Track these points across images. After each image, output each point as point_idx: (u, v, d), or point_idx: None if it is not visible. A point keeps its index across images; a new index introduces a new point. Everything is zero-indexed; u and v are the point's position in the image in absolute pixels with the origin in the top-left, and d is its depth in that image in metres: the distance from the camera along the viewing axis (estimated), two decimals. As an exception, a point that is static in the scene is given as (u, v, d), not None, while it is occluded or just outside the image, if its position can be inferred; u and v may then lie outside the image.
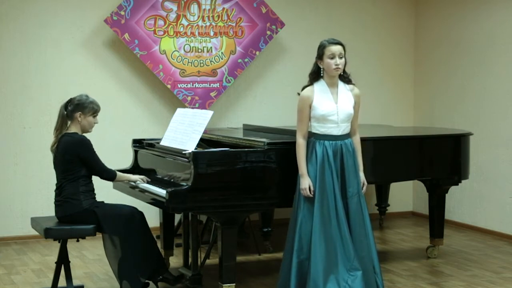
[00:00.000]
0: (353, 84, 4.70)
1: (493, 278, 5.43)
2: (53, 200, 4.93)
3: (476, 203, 7.17)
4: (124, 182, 5.16)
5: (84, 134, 4.92)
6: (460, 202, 7.32)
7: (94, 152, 4.85)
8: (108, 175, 4.96)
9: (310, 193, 4.53)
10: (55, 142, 4.91)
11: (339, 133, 4.58)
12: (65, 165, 4.82)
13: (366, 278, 4.52)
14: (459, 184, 5.94)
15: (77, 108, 4.88)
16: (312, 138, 4.61)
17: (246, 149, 4.74)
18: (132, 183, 5.11)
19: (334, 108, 4.56)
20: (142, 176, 5.11)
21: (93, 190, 4.92)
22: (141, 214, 4.90)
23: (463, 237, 6.88)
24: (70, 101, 4.92)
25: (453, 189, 6.23)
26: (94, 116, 4.93)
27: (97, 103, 4.95)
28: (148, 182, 5.04)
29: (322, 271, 4.44)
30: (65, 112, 4.89)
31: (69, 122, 4.92)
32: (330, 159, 4.54)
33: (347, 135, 4.64)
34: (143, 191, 4.97)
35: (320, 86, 4.60)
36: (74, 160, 4.79)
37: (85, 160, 4.81)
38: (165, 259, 5.44)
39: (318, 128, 4.59)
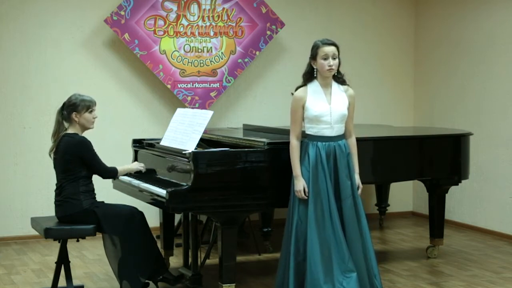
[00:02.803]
0: (347, 85, 4.67)
1: (493, 278, 5.43)
2: (53, 200, 4.93)
3: (476, 203, 7.17)
4: (127, 174, 5.24)
5: (86, 132, 4.93)
6: (460, 202, 7.32)
7: (95, 152, 4.85)
8: (110, 174, 4.99)
9: (305, 195, 4.51)
10: (53, 147, 4.90)
11: (333, 134, 4.55)
12: (65, 165, 4.82)
13: (361, 280, 4.51)
14: (459, 184, 5.94)
15: (71, 109, 4.87)
16: (305, 139, 4.58)
17: (246, 149, 4.74)
18: (135, 183, 5.10)
19: (327, 109, 4.52)
20: (141, 164, 5.26)
21: (93, 190, 4.92)
22: (141, 214, 4.90)
23: (463, 237, 6.88)
24: (63, 105, 4.93)
25: (453, 189, 6.23)
26: (90, 112, 4.91)
27: (89, 98, 4.92)
28: (145, 172, 5.17)
29: (320, 272, 4.42)
30: (61, 117, 4.90)
31: (67, 125, 4.92)
32: (323, 160, 4.51)
33: (341, 136, 4.60)
34: (143, 191, 4.97)
35: (313, 87, 4.57)
36: (74, 160, 4.79)
37: (85, 161, 4.81)
38: (165, 259, 5.43)
39: (311, 129, 4.56)
